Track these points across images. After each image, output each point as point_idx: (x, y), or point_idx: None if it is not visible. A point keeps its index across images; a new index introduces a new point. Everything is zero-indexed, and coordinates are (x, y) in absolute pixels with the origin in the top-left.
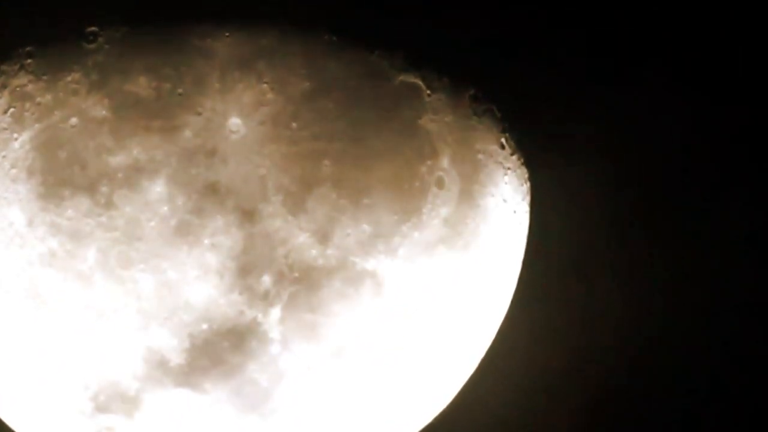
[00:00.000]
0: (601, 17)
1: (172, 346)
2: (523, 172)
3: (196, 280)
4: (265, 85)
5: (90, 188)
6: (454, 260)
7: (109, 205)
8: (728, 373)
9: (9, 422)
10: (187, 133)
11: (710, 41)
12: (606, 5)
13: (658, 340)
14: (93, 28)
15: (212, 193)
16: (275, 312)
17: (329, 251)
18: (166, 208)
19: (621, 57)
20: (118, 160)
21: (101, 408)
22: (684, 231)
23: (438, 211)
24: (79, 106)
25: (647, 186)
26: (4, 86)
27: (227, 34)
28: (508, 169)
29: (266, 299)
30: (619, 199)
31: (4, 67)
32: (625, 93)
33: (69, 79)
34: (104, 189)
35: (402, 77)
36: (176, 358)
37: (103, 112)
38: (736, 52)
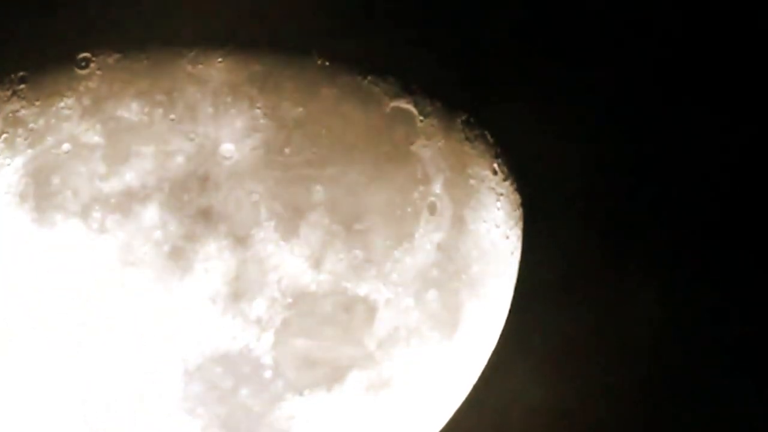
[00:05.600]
0: (597, 40)
1: (165, 371)
2: (516, 198)
3: (188, 305)
4: (258, 111)
5: (83, 214)
6: (447, 285)
7: (101, 230)
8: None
9: None
10: (180, 158)
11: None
12: (601, 27)
13: (655, 358)
14: (85, 54)
15: (205, 218)
16: (268, 337)
17: (322, 276)
18: (158, 234)
19: (616, 80)
20: (110, 185)
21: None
22: (678, 251)
23: (430, 236)
24: (71, 131)
25: (641, 207)
26: None
27: (220, 59)
28: (501, 194)
29: (259, 324)
30: (615, 223)
31: None
32: (619, 115)
33: (61, 104)
34: (97, 214)
35: (394, 103)
36: (169, 383)
37: (96, 137)
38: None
